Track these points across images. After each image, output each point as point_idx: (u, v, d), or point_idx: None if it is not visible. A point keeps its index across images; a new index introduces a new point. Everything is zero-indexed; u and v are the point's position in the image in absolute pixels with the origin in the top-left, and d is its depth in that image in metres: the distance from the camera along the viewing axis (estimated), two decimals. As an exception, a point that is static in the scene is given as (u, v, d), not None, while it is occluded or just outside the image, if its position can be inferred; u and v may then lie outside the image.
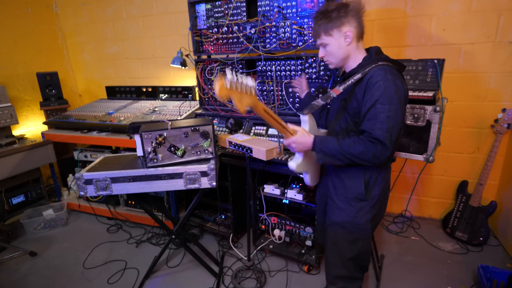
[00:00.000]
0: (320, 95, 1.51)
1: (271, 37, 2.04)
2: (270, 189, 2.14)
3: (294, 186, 2.14)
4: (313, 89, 1.98)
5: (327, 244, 1.48)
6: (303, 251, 2.12)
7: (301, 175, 1.58)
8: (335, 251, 1.43)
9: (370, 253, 1.47)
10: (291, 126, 1.34)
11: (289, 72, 2.07)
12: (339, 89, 1.30)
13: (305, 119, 1.40)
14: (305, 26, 1.91)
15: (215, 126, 2.27)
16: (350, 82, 1.28)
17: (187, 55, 2.69)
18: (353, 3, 1.28)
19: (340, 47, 1.30)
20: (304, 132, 1.33)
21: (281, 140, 2.01)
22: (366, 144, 1.20)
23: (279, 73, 2.11)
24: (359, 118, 1.28)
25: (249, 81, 1.14)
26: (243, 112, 1.16)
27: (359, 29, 1.29)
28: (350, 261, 1.40)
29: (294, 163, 1.40)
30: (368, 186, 1.34)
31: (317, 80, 1.98)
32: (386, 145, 1.18)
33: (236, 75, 1.11)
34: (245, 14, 2.09)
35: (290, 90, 2.08)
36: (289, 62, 2.04)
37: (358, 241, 1.38)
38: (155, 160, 1.72)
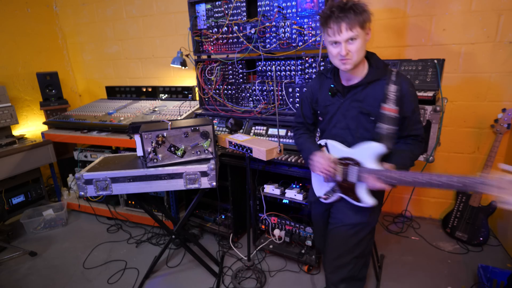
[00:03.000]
0: (382, 124, 1.28)
1: (271, 37, 2.04)
2: (270, 189, 2.14)
3: (294, 186, 2.14)
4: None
5: (333, 245, 1.45)
6: (303, 251, 2.12)
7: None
8: (339, 251, 1.41)
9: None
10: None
11: (289, 72, 2.07)
12: (393, 107, 1.25)
13: (328, 144, 1.42)
14: (305, 26, 1.91)
15: (215, 126, 2.27)
16: (391, 95, 1.25)
17: (187, 55, 2.69)
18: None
19: (365, 43, 1.24)
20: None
21: (282, 140, 2.02)
22: (419, 146, 1.34)
23: (279, 73, 2.11)
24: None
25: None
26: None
27: None
28: (357, 259, 1.40)
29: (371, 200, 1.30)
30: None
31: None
32: (423, 138, 1.36)
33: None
34: (245, 14, 2.09)
35: (290, 90, 2.08)
36: (289, 62, 2.04)
37: (366, 237, 1.40)
38: (155, 160, 1.72)
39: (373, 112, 1.29)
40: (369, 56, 1.35)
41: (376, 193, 1.32)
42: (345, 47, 1.19)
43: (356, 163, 1.29)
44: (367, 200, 1.29)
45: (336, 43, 1.21)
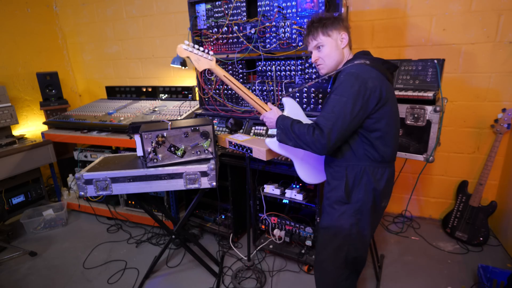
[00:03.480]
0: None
1: (271, 37, 2.04)
2: (270, 189, 2.14)
3: (294, 186, 2.14)
4: (313, 89, 1.98)
5: (317, 249, 1.47)
6: (303, 251, 2.12)
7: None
8: (322, 257, 1.42)
9: (362, 259, 1.41)
10: (269, 105, 1.57)
11: (289, 72, 2.07)
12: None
13: (284, 101, 1.60)
14: (305, 26, 1.91)
15: (215, 126, 2.27)
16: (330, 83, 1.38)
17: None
18: (342, 16, 1.40)
19: (336, 48, 1.36)
20: (276, 110, 1.51)
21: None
22: (308, 128, 1.25)
23: (279, 73, 2.11)
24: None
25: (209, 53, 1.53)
26: (200, 70, 1.64)
27: (349, 39, 1.39)
28: (337, 268, 1.38)
29: (268, 139, 1.55)
30: (348, 189, 1.30)
31: (317, 80, 1.98)
32: (323, 132, 1.19)
33: (194, 46, 1.60)
34: (245, 14, 2.09)
35: (290, 90, 2.08)
36: (289, 62, 2.04)
37: (344, 246, 1.34)
38: (155, 160, 1.72)
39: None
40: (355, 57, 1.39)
41: (339, 190, 1.32)
42: (313, 55, 1.41)
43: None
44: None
45: (312, 52, 1.42)
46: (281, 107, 1.66)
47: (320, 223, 1.44)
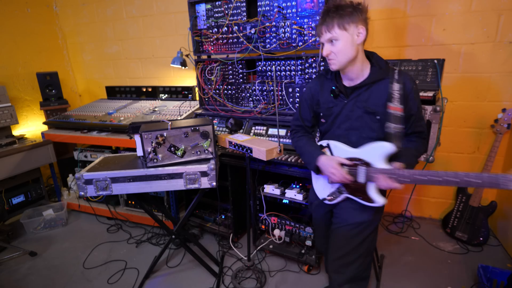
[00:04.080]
0: (389, 123, 1.30)
1: (271, 37, 2.04)
2: (270, 189, 2.14)
3: (294, 186, 2.14)
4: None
5: (337, 244, 1.44)
6: (303, 251, 2.12)
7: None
8: (347, 250, 1.40)
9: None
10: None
11: (289, 72, 2.07)
12: (398, 105, 1.26)
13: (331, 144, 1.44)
14: (305, 26, 1.91)
15: (215, 126, 2.27)
16: (398, 93, 1.26)
17: (187, 55, 2.69)
18: (364, 7, 1.26)
19: (352, 43, 1.24)
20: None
21: (282, 140, 2.02)
22: (423, 143, 1.38)
23: (279, 73, 2.11)
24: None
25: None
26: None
27: (367, 34, 1.27)
28: (362, 258, 1.41)
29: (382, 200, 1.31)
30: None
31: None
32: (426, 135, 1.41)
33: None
34: (245, 14, 2.09)
35: (290, 90, 2.08)
36: (289, 62, 2.04)
37: (370, 235, 1.40)
38: (155, 160, 1.72)
39: (378, 111, 1.29)
40: (370, 56, 1.34)
41: (380, 192, 1.33)
42: (325, 48, 1.27)
43: (365, 163, 1.30)
44: (378, 200, 1.30)
45: (323, 44, 1.29)
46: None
47: (345, 220, 1.40)
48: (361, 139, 1.34)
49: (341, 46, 1.24)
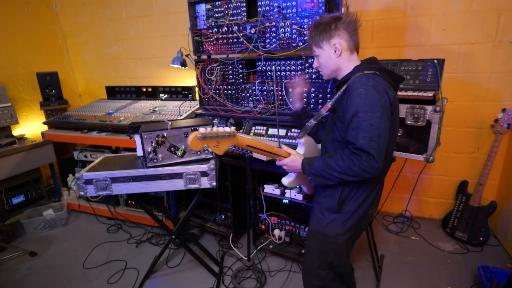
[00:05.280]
0: (314, 113, 1.45)
1: (271, 37, 2.04)
2: (270, 189, 2.14)
3: (294, 186, 2.14)
4: (313, 89, 1.98)
5: (305, 250, 1.49)
6: (303, 251, 2.12)
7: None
8: (309, 259, 1.43)
9: (348, 269, 1.45)
10: (284, 148, 1.36)
11: (289, 72, 2.07)
12: (328, 105, 1.31)
13: (301, 141, 1.42)
14: (305, 26, 1.91)
15: (215, 126, 2.27)
16: (337, 95, 1.29)
17: (187, 55, 2.69)
18: (346, 16, 1.28)
19: (330, 58, 1.32)
20: (296, 155, 1.34)
21: (282, 140, 2.02)
22: (350, 158, 1.14)
23: (279, 73, 2.11)
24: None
25: (226, 128, 1.14)
26: (221, 153, 1.20)
27: (351, 42, 1.29)
28: (323, 271, 1.39)
29: (286, 180, 1.43)
30: (342, 199, 1.30)
31: (317, 80, 1.98)
32: (371, 155, 1.10)
33: (211, 127, 1.14)
34: (245, 14, 2.09)
35: (290, 90, 2.08)
36: (289, 62, 2.04)
37: (329, 253, 1.36)
38: (155, 160, 1.72)
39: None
40: (362, 62, 1.36)
41: (332, 199, 1.32)
42: (314, 62, 1.41)
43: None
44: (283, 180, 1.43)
45: None
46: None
47: (309, 226, 1.46)
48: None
49: (323, 61, 1.35)
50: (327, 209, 1.35)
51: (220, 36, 2.21)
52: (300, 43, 1.95)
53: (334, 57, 1.31)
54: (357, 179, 1.17)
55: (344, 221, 1.32)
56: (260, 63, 2.13)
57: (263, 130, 2.16)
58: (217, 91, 2.38)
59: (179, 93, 3.05)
